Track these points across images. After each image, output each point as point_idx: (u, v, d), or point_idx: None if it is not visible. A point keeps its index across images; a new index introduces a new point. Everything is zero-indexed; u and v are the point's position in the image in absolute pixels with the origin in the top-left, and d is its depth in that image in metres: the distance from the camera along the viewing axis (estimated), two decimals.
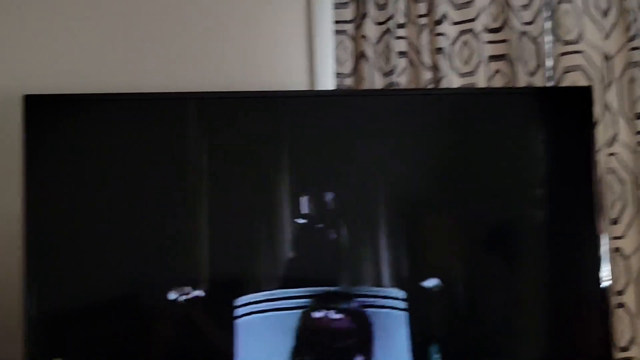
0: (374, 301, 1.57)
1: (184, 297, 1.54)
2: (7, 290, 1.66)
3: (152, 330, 1.57)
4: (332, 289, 1.57)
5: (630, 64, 1.91)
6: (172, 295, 1.54)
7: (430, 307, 1.59)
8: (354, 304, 1.56)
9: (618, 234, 1.87)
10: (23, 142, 1.55)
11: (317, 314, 1.55)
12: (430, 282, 1.59)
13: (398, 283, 1.59)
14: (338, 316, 1.55)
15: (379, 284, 1.59)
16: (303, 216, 1.59)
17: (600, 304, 1.63)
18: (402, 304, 1.58)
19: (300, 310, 1.55)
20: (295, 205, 1.59)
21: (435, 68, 1.91)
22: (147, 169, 1.59)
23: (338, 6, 1.92)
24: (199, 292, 1.55)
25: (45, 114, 1.58)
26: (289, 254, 1.58)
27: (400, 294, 1.58)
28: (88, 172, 1.58)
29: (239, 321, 1.54)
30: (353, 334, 1.55)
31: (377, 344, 1.56)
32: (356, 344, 1.55)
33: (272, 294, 1.56)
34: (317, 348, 1.54)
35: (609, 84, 1.91)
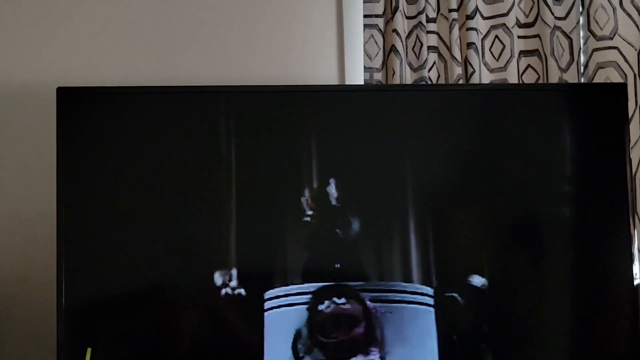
0: (402, 296, 1.57)
1: (225, 290, 1.55)
2: (41, 283, 1.69)
3: (181, 322, 1.59)
4: (358, 283, 1.57)
5: None
6: (217, 278, 1.56)
7: (459, 304, 1.59)
8: (361, 296, 1.56)
9: None
10: (57, 134, 1.57)
11: (319, 304, 1.56)
12: (477, 280, 1.59)
13: (426, 279, 1.59)
14: (346, 306, 1.56)
15: (408, 279, 1.59)
16: (331, 210, 1.59)
17: (632, 301, 1.61)
18: (431, 300, 1.58)
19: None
20: (323, 199, 1.59)
21: (466, 63, 1.90)
22: (177, 162, 1.60)
23: (369, 0, 1.91)
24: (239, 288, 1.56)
25: (78, 106, 1.59)
26: (317, 247, 1.59)
27: (428, 290, 1.58)
28: (119, 165, 1.60)
29: (268, 313, 1.56)
30: (361, 325, 1.55)
31: (400, 338, 1.56)
32: (366, 336, 1.55)
33: (300, 288, 1.57)
34: (326, 339, 1.56)
35: None
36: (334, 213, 1.59)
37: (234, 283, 1.56)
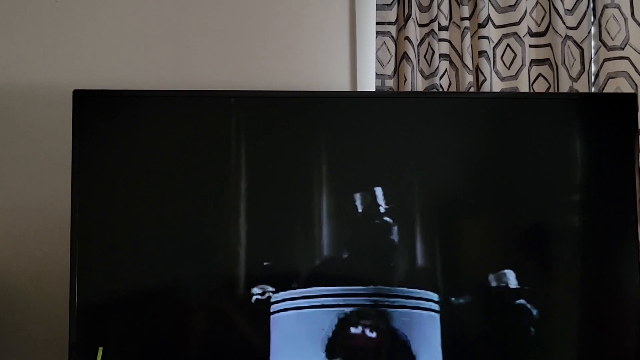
0: (409, 302, 1.58)
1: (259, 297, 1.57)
2: (54, 282, 1.72)
3: (192, 323, 1.60)
4: (368, 288, 1.58)
5: None
6: (256, 291, 1.58)
7: (467, 310, 1.60)
8: (391, 321, 1.57)
9: None
10: (72, 136, 1.59)
11: (354, 330, 1.57)
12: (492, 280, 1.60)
13: (433, 285, 1.60)
14: (373, 335, 1.57)
15: (416, 285, 1.60)
16: (340, 215, 1.61)
17: (639, 309, 1.62)
18: (437, 307, 1.59)
19: (334, 312, 1.57)
20: (333, 204, 1.61)
21: (477, 71, 1.91)
22: (189, 165, 1.62)
23: (381, 7, 1.92)
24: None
25: (93, 108, 1.61)
26: (326, 252, 1.60)
27: (435, 296, 1.59)
28: (133, 166, 1.62)
29: (275, 316, 1.57)
30: (387, 352, 1.57)
31: (408, 344, 1.57)
32: (377, 343, 1.57)
33: (308, 292, 1.58)
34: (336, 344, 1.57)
35: None
36: (347, 219, 1.61)
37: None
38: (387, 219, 1.62)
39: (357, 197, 1.62)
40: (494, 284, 1.61)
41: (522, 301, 1.62)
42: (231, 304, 1.58)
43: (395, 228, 1.62)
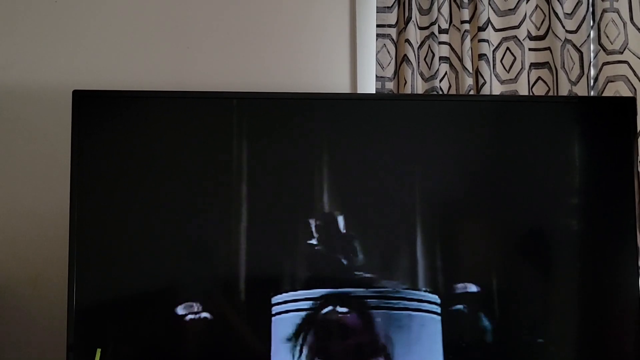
0: (408, 304, 1.58)
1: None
2: (52, 283, 1.71)
3: (190, 325, 1.60)
4: (366, 290, 1.58)
5: None
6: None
7: (466, 313, 1.60)
8: (364, 305, 1.57)
9: None
10: (72, 136, 1.58)
11: (325, 310, 1.57)
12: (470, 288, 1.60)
13: (433, 287, 1.60)
14: (348, 315, 1.57)
15: (414, 287, 1.60)
16: (340, 217, 1.61)
17: (638, 313, 1.62)
18: (438, 309, 1.59)
19: (334, 312, 1.57)
20: (332, 206, 1.61)
21: (477, 74, 1.91)
22: (189, 166, 1.62)
23: (382, 10, 1.93)
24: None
25: (93, 109, 1.60)
26: (326, 254, 1.60)
27: (435, 298, 1.59)
28: (132, 167, 1.61)
29: (275, 318, 1.57)
30: (363, 333, 1.56)
31: (407, 347, 1.57)
32: (369, 344, 1.56)
33: (308, 294, 1.58)
34: (327, 347, 1.57)
35: None
36: (346, 220, 1.61)
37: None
38: (387, 219, 1.62)
39: (359, 199, 1.62)
40: (492, 285, 1.61)
41: (522, 305, 1.63)
42: (230, 306, 1.58)
43: (395, 229, 1.62)
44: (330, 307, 1.58)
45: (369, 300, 1.58)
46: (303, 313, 1.57)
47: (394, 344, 1.57)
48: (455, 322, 1.60)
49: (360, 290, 1.59)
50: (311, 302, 1.57)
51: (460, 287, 1.61)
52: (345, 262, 1.60)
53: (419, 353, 1.57)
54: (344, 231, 1.60)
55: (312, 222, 1.60)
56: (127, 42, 1.87)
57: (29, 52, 1.85)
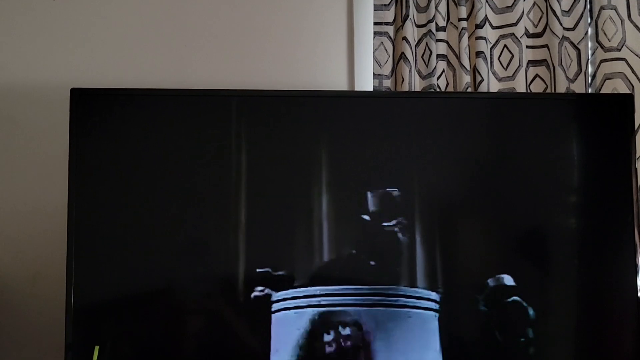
0: (407, 301, 1.58)
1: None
2: (51, 281, 1.71)
3: (188, 323, 1.60)
4: (365, 288, 1.59)
5: None
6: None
7: (465, 310, 1.60)
8: (361, 303, 1.58)
9: None
10: (70, 134, 1.58)
11: (325, 310, 1.57)
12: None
13: (431, 285, 1.60)
14: (345, 311, 1.57)
15: (413, 284, 1.60)
16: (340, 215, 1.61)
17: (637, 311, 1.62)
18: (436, 306, 1.59)
19: (334, 312, 1.57)
20: (332, 203, 1.61)
21: (474, 71, 1.91)
22: (188, 164, 1.62)
23: (379, 8, 1.93)
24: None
25: (91, 107, 1.61)
26: (326, 251, 1.60)
27: (434, 295, 1.59)
28: (131, 166, 1.61)
29: (275, 315, 1.57)
30: (361, 331, 1.57)
31: (405, 345, 1.57)
32: (368, 343, 1.57)
33: (308, 291, 1.58)
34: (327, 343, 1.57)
35: None
36: (346, 218, 1.61)
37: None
38: (387, 219, 1.62)
39: (357, 197, 1.62)
40: (491, 284, 1.62)
41: (519, 302, 1.63)
42: (229, 304, 1.58)
43: (394, 228, 1.62)
44: (330, 307, 1.58)
45: (367, 298, 1.58)
46: (302, 310, 1.57)
47: (392, 341, 1.57)
48: (453, 320, 1.60)
49: (358, 288, 1.59)
50: (310, 299, 1.58)
51: (459, 284, 1.61)
52: (344, 260, 1.60)
53: (417, 350, 1.57)
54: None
55: (312, 221, 1.60)
56: (125, 40, 1.87)
57: (27, 50, 1.84)
